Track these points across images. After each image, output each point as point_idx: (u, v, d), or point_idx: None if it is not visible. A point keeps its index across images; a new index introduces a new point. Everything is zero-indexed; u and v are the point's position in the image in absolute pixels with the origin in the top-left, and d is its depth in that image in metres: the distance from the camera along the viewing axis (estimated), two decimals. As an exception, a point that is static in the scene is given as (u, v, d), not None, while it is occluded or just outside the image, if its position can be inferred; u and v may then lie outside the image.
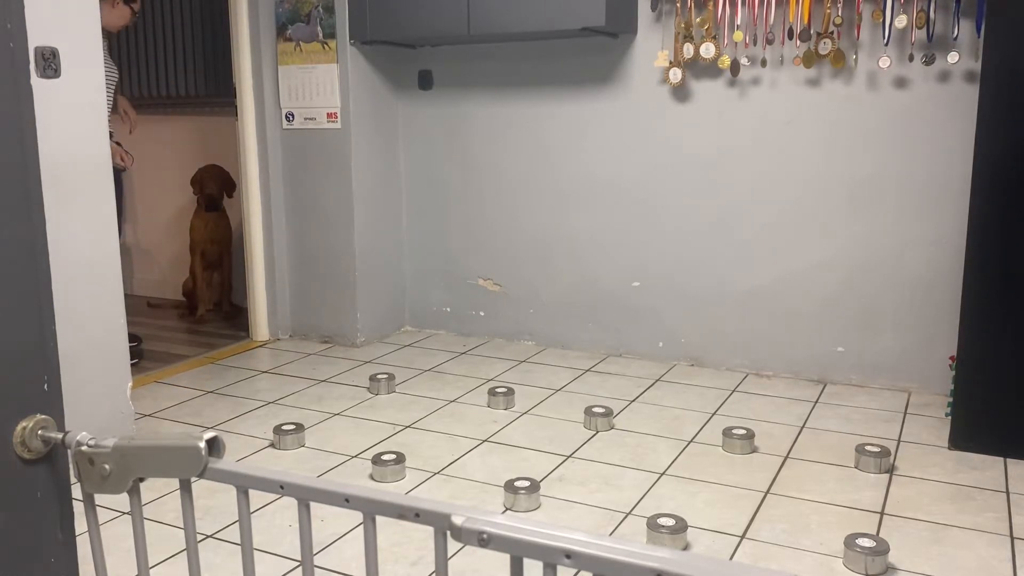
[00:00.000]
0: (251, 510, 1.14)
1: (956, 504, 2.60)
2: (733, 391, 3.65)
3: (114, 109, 4.05)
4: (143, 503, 1.19)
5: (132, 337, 4.33)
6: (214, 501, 2.63)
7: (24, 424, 1.09)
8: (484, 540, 0.91)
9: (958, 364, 3.00)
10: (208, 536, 2.45)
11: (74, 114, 2.81)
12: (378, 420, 3.35)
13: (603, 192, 4.09)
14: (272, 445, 3.11)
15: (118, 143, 4.02)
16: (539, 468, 2.89)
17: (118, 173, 4.06)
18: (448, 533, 0.95)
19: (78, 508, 1.18)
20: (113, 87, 3.98)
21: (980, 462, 2.90)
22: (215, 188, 4.91)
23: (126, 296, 3.70)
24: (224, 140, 5.04)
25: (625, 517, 2.55)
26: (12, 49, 1.06)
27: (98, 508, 1.20)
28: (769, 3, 3.54)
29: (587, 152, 4.09)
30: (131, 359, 4.03)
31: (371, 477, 2.84)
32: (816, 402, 3.51)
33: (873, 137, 3.53)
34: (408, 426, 3.29)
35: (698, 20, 3.67)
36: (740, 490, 2.72)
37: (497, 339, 4.47)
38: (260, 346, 4.44)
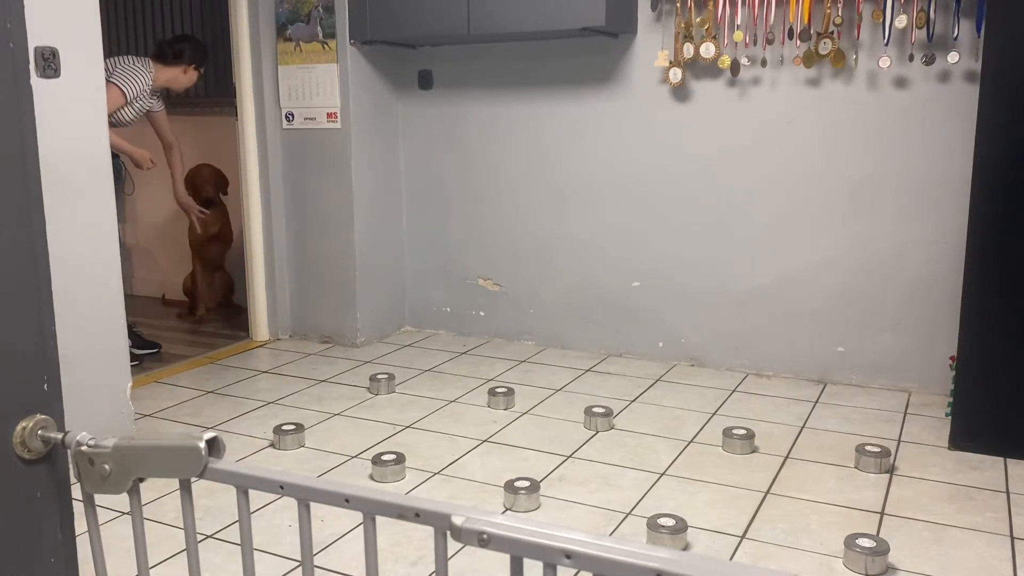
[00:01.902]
0: (251, 510, 1.14)
1: (956, 504, 2.60)
2: (733, 391, 3.65)
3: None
4: (143, 503, 1.19)
5: (151, 344, 4.35)
6: (214, 501, 2.63)
7: (24, 424, 1.09)
8: (484, 540, 0.91)
9: (958, 364, 3.00)
10: (208, 536, 2.45)
11: (74, 114, 2.81)
12: (378, 420, 3.35)
13: (603, 192, 4.09)
14: (272, 445, 3.11)
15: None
16: (539, 468, 2.89)
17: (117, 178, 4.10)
18: (448, 533, 0.95)
19: (78, 508, 1.18)
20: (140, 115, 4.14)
21: (980, 462, 2.90)
22: (210, 188, 4.90)
23: (126, 296, 3.70)
24: (224, 140, 5.03)
25: (625, 517, 2.55)
26: (12, 49, 1.06)
27: (98, 508, 1.20)
28: (769, 3, 3.54)
29: (587, 152, 4.09)
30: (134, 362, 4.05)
31: (371, 477, 2.84)
32: (816, 402, 3.51)
33: (873, 137, 3.53)
34: (408, 426, 3.29)
35: (698, 20, 3.67)
36: (740, 490, 2.72)
37: (497, 339, 4.47)
38: (260, 346, 4.44)
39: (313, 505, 1.07)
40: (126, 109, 3.98)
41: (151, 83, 4.03)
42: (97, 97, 2.89)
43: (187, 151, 5.37)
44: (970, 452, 2.96)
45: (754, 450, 3.01)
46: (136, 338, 4.20)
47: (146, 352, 4.26)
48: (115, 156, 4.05)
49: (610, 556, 0.85)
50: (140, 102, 4.04)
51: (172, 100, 5.37)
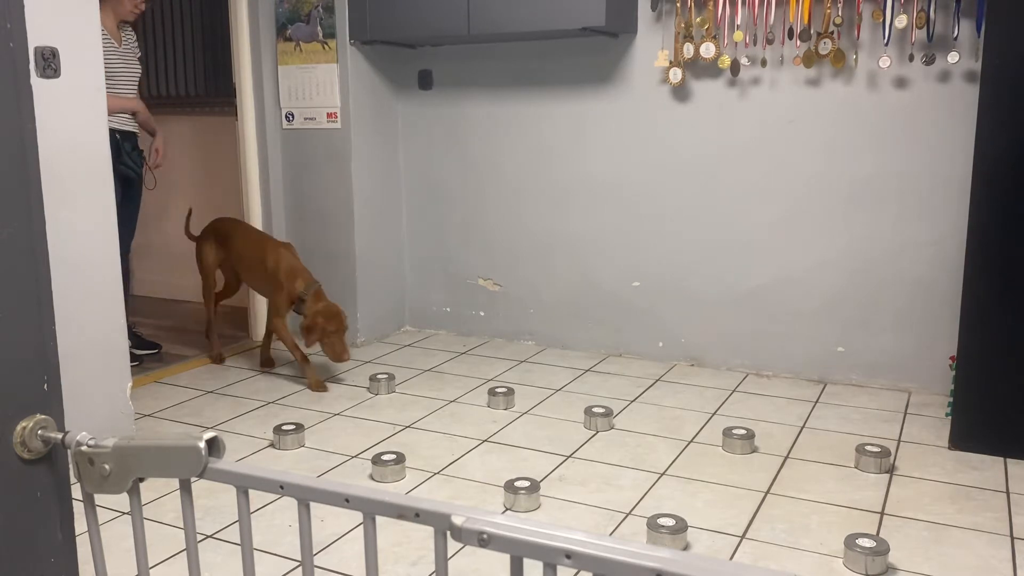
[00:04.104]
0: (251, 510, 1.14)
1: (956, 504, 2.60)
2: (733, 391, 3.65)
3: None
4: (143, 503, 1.19)
5: (151, 344, 4.34)
6: (214, 501, 2.63)
7: (24, 424, 1.09)
8: (484, 540, 0.91)
9: (958, 364, 3.00)
10: (208, 536, 2.45)
11: (74, 114, 2.80)
12: (378, 420, 3.35)
13: (603, 192, 4.09)
14: (272, 445, 3.11)
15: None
16: (539, 468, 2.89)
17: (138, 184, 4.05)
18: (448, 533, 0.95)
19: (78, 508, 1.18)
20: (135, 77, 3.99)
21: (980, 462, 2.90)
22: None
23: (125, 296, 3.68)
24: (224, 140, 5.04)
25: (625, 517, 2.55)
26: (12, 49, 1.06)
27: (98, 508, 1.20)
28: (769, 3, 3.54)
29: (587, 152, 4.09)
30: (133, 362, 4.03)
31: (371, 477, 2.84)
32: (816, 402, 3.51)
33: (873, 137, 3.53)
34: (408, 426, 3.29)
35: (698, 20, 3.67)
36: (740, 490, 2.72)
37: (497, 339, 4.47)
38: (260, 346, 4.44)
39: (313, 505, 1.08)
40: (108, 60, 3.76)
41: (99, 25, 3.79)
42: (97, 97, 2.89)
43: (187, 151, 5.39)
44: (970, 452, 2.96)
45: (754, 450, 3.01)
46: (135, 338, 4.20)
47: (146, 352, 4.25)
48: (138, 151, 3.98)
49: (610, 556, 0.85)
50: (108, 46, 3.73)
51: (172, 100, 5.39)
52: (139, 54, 4.07)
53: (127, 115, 3.95)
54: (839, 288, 3.69)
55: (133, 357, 4.05)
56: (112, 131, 3.84)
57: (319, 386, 3.73)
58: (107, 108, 3.77)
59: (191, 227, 4.23)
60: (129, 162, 3.91)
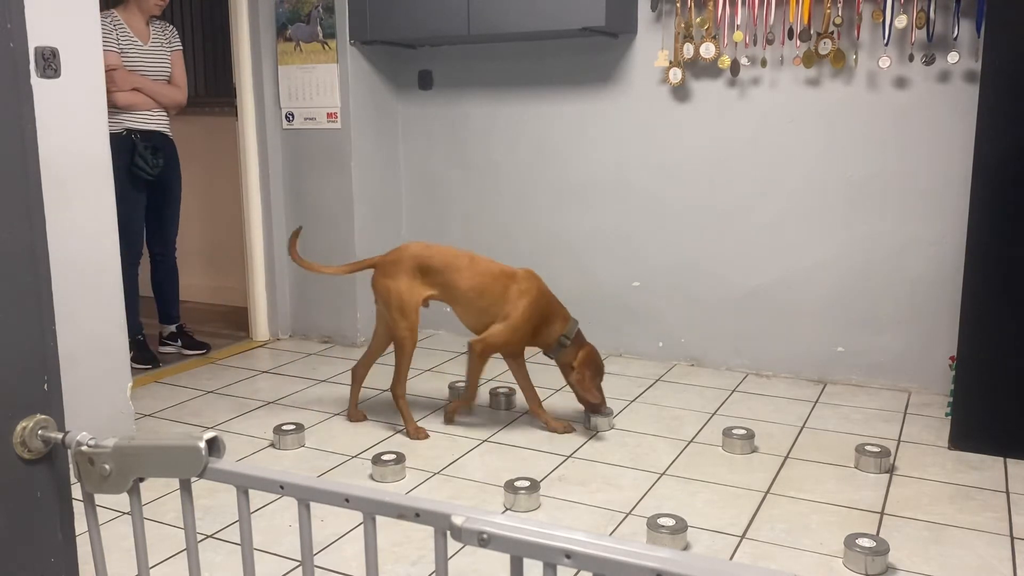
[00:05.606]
0: (251, 510, 1.14)
1: (956, 504, 2.60)
2: (733, 391, 3.65)
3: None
4: (143, 503, 1.19)
5: (201, 344, 4.33)
6: (214, 501, 2.63)
7: (24, 424, 1.09)
8: (484, 540, 0.91)
9: (958, 364, 3.00)
10: (208, 536, 2.45)
11: (74, 114, 2.80)
12: (378, 420, 3.35)
13: (603, 192, 4.09)
14: (272, 445, 3.11)
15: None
16: (539, 468, 2.89)
17: (163, 185, 4.00)
18: (448, 533, 0.95)
19: (78, 508, 1.18)
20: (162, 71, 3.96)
21: (980, 462, 2.90)
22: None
23: (140, 297, 3.69)
24: (224, 140, 5.03)
25: (625, 517, 2.55)
26: (12, 49, 1.06)
27: (98, 508, 1.20)
28: (769, 3, 3.54)
29: (587, 152, 4.09)
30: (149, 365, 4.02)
31: (371, 477, 2.84)
32: (816, 402, 3.51)
33: (873, 137, 3.53)
34: (408, 426, 3.29)
35: (698, 20, 3.67)
36: (740, 490, 2.72)
37: (497, 339, 4.46)
38: (260, 346, 4.44)
39: (313, 505, 1.08)
40: (130, 57, 3.77)
41: (122, 23, 3.75)
42: (97, 97, 2.89)
43: (187, 151, 5.37)
44: (970, 452, 2.96)
45: (754, 450, 3.01)
46: (187, 338, 4.27)
47: (195, 353, 4.26)
48: (151, 150, 3.90)
49: (610, 556, 0.85)
50: (130, 44, 3.78)
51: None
52: (177, 47, 4.04)
53: (151, 111, 3.88)
54: (839, 288, 3.69)
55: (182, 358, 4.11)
56: (129, 130, 3.82)
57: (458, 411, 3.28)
58: (127, 104, 3.77)
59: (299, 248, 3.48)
60: (141, 163, 3.84)
